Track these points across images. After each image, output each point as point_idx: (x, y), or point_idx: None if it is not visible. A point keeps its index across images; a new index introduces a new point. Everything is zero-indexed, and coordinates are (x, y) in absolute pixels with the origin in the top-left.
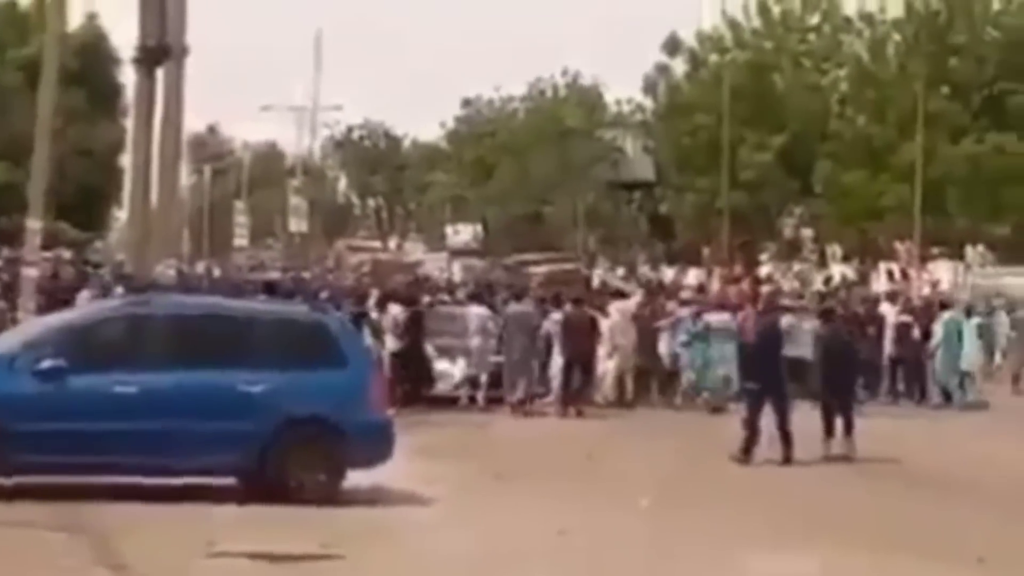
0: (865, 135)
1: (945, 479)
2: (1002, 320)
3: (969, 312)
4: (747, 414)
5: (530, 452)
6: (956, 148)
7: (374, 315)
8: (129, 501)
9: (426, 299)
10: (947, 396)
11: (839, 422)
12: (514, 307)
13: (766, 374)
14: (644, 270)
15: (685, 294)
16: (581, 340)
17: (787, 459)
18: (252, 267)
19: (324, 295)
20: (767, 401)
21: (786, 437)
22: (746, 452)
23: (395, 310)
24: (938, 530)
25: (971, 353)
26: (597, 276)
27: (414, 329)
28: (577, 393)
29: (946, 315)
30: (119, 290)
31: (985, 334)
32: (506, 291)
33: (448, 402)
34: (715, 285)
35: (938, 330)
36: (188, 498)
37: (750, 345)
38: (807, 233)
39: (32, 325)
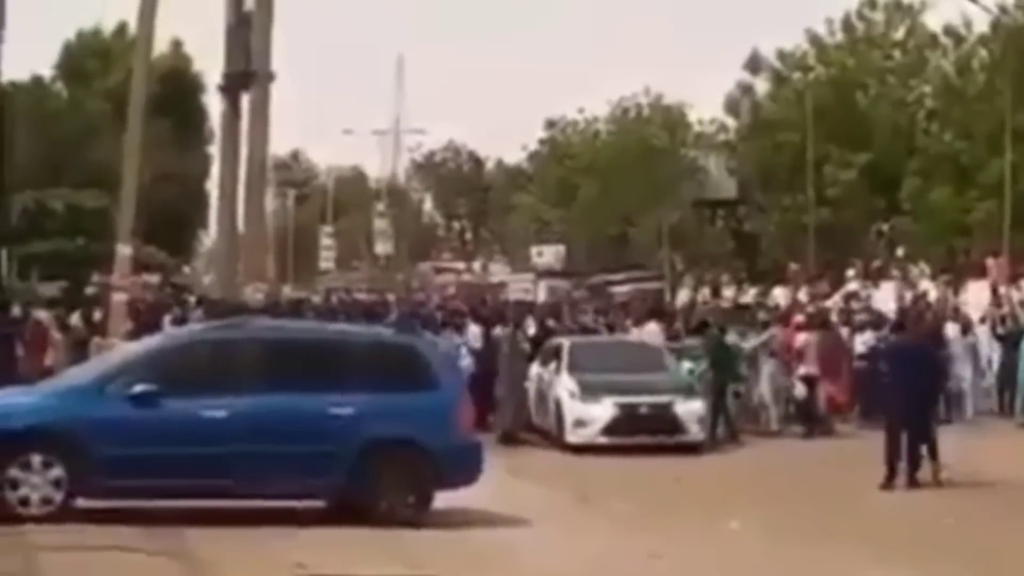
0: (952, 151)
1: None
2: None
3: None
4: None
5: (617, 475)
6: None
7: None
8: (219, 524)
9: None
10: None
11: None
12: (499, 330)
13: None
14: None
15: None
16: None
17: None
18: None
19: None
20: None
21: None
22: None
23: (473, 331)
24: None
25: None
26: (683, 294)
27: (488, 353)
28: None
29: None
30: (198, 314)
31: None
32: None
33: None
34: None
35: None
36: (277, 521)
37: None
38: (899, 252)
39: (124, 349)
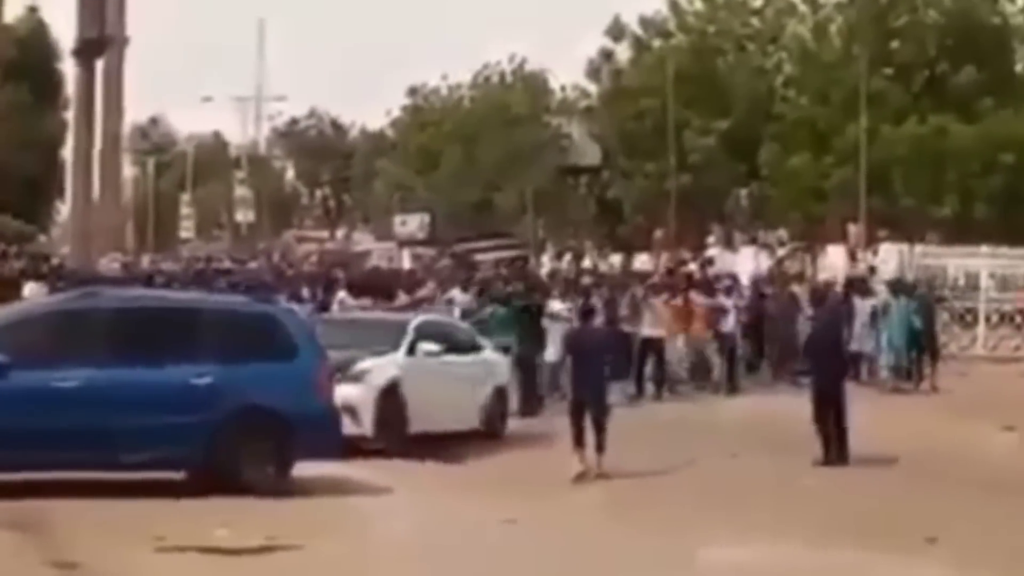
0: (809, 117)
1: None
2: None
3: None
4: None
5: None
6: (899, 129)
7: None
8: (78, 497)
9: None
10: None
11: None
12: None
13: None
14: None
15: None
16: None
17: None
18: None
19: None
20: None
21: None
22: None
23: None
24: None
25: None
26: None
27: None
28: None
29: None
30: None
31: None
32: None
33: None
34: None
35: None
36: (137, 493)
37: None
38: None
39: None
